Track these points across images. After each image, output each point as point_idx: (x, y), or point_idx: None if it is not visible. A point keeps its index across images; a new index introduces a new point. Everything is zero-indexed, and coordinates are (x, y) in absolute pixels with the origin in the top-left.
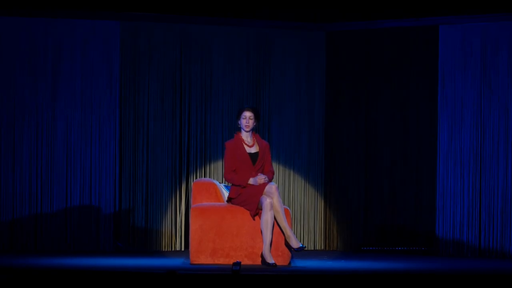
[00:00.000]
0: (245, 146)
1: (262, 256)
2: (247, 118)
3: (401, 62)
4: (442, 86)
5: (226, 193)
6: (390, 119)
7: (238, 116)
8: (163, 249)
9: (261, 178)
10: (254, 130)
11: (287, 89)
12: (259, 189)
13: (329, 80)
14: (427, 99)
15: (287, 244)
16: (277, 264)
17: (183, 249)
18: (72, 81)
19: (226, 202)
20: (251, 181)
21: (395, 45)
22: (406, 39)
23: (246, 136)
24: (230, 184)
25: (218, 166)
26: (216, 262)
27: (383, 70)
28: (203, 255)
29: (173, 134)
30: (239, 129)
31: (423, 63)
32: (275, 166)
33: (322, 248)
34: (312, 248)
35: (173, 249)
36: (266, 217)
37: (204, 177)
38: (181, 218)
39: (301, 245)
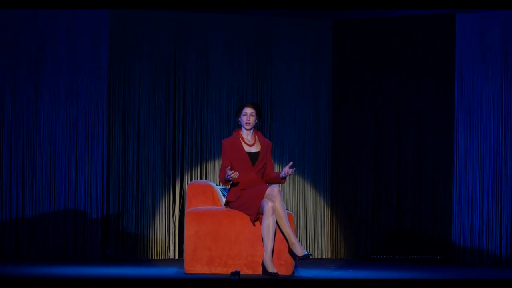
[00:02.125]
0: (244, 144)
1: (263, 265)
2: (248, 115)
3: (412, 53)
4: (459, 79)
5: (223, 196)
6: (401, 114)
7: (238, 113)
8: (155, 257)
9: (231, 174)
10: (256, 128)
11: (291, 83)
12: (260, 192)
13: (336, 73)
14: (444, 94)
15: (291, 252)
16: (280, 273)
17: (176, 257)
18: (56, 75)
19: (224, 206)
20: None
21: (406, 35)
22: (420, 29)
23: (246, 134)
24: (228, 187)
25: (215, 167)
26: (213, 271)
27: (388, 62)
28: (199, 263)
29: (166, 131)
30: (239, 126)
31: (438, 54)
32: (277, 167)
33: (329, 256)
34: (318, 257)
35: (165, 257)
36: (268, 223)
37: (200, 178)
38: (174, 224)
39: (306, 253)
